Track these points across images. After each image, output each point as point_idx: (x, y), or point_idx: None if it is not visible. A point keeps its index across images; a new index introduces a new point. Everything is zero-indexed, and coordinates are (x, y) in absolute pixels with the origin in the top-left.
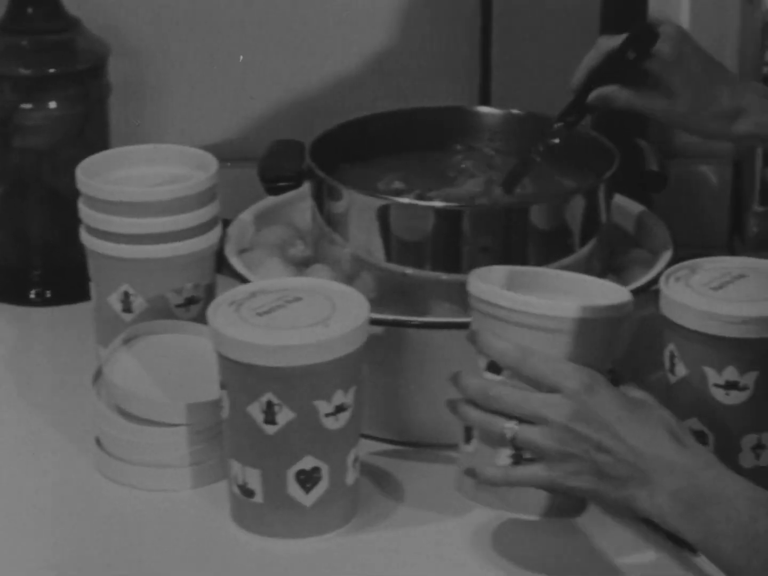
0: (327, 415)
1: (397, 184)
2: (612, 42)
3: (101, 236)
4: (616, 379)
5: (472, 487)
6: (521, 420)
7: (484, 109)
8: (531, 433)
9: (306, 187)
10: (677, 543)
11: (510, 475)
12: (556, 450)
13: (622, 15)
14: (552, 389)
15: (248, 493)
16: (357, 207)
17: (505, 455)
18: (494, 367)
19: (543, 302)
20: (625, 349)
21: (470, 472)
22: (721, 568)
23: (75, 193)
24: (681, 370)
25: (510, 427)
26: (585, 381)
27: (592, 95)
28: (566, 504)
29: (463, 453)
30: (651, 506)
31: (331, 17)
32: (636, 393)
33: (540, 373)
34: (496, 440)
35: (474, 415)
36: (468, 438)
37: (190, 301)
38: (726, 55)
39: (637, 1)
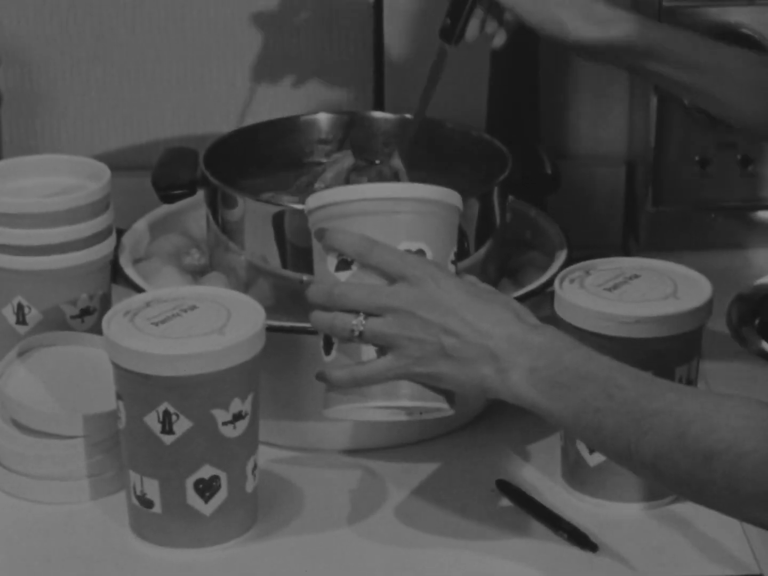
0: (225, 423)
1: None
2: None
3: None
4: (458, 272)
5: (331, 396)
6: (369, 315)
7: (378, 114)
8: (377, 324)
9: (201, 195)
10: (578, 542)
11: (358, 371)
12: (403, 337)
13: None
14: (397, 278)
15: (147, 503)
16: (252, 214)
17: (365, 357)
18: (343, 265)
19: (377, 185)
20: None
21: (320, 377)
22: (598, 447)
23: None
24: None
25: (357, 322)
26: (429, 269)
27: None
28: (430, 390)
29: (325, 365)
30: (502, 385)
31: (225, 24)
32: (480, 285)
33: (386, 262)
34: (348, 339)
35: (323, 316)
36: (328, 350)
37: (85, 312)
38: None
39: None
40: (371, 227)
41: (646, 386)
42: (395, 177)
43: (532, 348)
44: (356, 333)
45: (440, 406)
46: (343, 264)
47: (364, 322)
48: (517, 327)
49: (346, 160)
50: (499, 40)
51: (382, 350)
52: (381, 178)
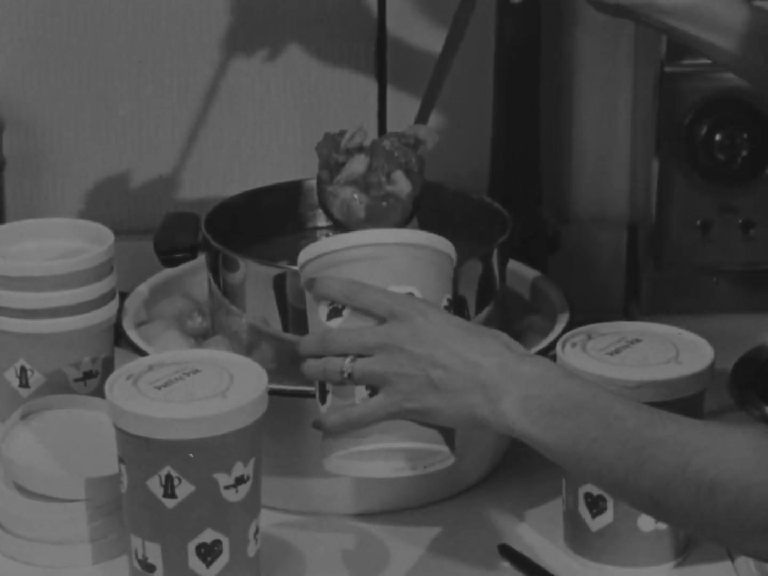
0: (227, 487)
1: None
2: None
3: None
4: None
5: (328, 445)
6: (360, 356)
7: None
8: (366, 363)
9: (203, 259)
10: None
11: (350, 413)
12: (392, 373)
13: (516, 67)
14: (387, 317)
15: (149, 567)
16: (253, 277)
17: (358, 398)
18: (334, 313)
19: (364, 233)
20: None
21: (316, 425)
22: (594, 479)
23: None
24: None
25: (347, 363)
26: (418, 305)
27: None
28: (427, 430)
29: (321, 414)
30: (493, 415)
31: (228, 88)
32: (470, 321)
33: (375, 302)
34: (340, 382)
35: (314, 364)
36: (323, 400)
37: (87, 375)
38: None
39: (530, 57)
40: (360, 273)
41: (647, 416)
42: (417, 146)
43: (524, 376)
44: (346, 375)
45: (438, 448)
46: (334, 312)
47: (352, 363)
48: (508, 356)
49: (360, 163)
50: None
51: (374, 390)
52: (401, 149)
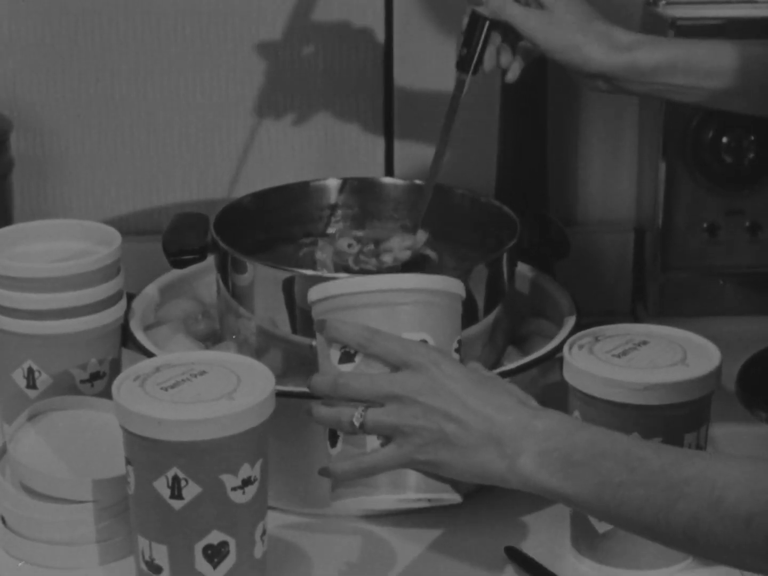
0: (234, 488)
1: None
2: None
3: (4, 312)
4: (462, 360)
5: (338, 490)
6: (371, 406)
7: (387, 180)
8: (378, 414)
9: (211, 260)
10: None
11: (361, 462)
12: (405, 425)
13: (523, 71)
14: (400, 366)
15: (155, 569)
16: (261, 279)
17: (370, 447)
18: (346, 358)
19: (379, 277)
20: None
21: (324, 472)
22: (621, 522)
23: None
24: None
25: (358, 413)
26: (432, 355)
27: (485, 7)
28: (436, 481)
29: (330, 458)
30: (509, 471)
31: (235, 91)
32: (483, 371)
33: (388, 350)
34: (351, 432)
35: (326, 411)
36: (334, 443)
37: (95, 377)
38: None
39: (537, 83)
40: (373, 319)
41: (670, 455)
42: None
43: (539, 431)
44: (358, 425)
45: (446, 496)
46: (346, 356)
47: (363, 413)
48: (522, 412)
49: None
50: (513, 74)
51: (386, 440)
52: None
